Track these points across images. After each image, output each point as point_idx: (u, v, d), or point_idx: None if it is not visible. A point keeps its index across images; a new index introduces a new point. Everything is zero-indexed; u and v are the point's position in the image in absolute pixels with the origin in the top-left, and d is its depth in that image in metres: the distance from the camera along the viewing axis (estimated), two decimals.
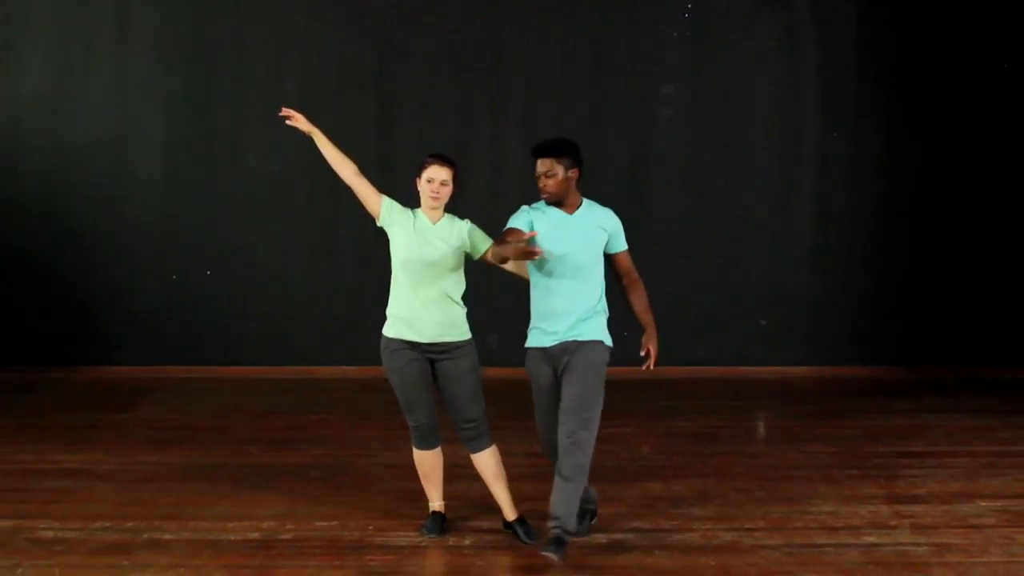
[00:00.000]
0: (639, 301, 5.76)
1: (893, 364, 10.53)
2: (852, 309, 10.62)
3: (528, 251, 5.17)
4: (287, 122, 5.99)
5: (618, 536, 5.95)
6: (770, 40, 10.48)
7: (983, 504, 6.53)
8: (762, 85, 10.53)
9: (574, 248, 5.58)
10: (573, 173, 5.61)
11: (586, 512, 5.96)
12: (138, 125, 10.49)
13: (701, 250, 10.53)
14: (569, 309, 5.59)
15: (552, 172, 5.56)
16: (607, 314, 5.74)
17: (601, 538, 5.92)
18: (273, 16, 10.46)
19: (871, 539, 5.92)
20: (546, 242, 5.54)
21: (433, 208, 5.76)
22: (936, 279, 10.60)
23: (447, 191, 5.72)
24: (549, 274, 5.61)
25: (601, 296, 5.70)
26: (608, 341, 5.69)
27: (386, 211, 5.82)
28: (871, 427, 8.48)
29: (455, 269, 5.75)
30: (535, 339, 5.68)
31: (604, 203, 5.56)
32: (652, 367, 5.68)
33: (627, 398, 9.51)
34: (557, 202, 5.64)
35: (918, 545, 5.84)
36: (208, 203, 10.53)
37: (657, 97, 10.50)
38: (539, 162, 5.60)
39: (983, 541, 5.90)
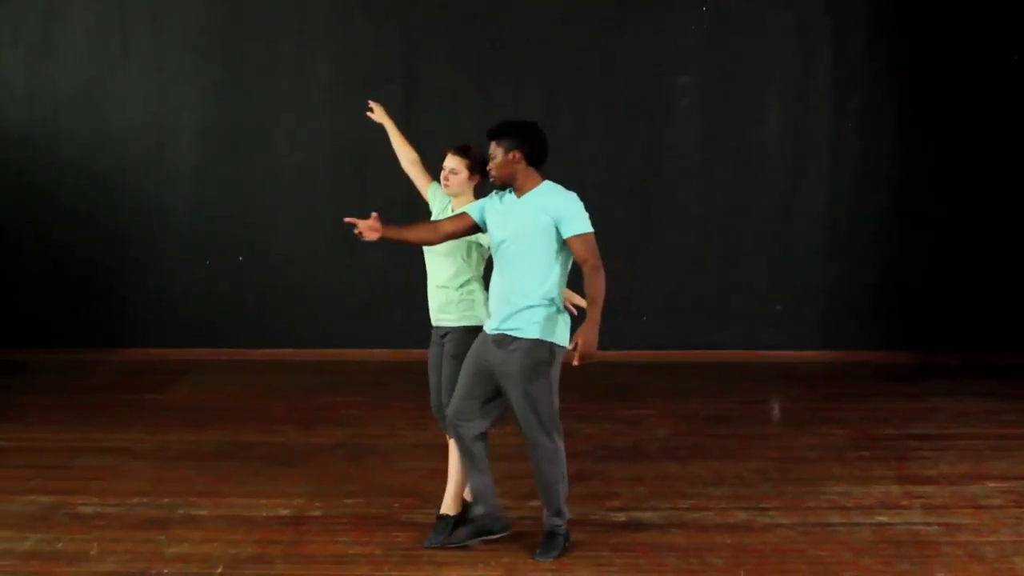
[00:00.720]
0: (589, 290, 5.12)
1: (902, 349, 10.48)
2: (862, 295, 10.57)
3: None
4: (368, 113, 6.14)
5: (636, 514, 5.97)
6: (784, 31, 10.42)
7: (991, 485, 6.52)
8: (775, 76, 10.47)
9: (512, 234, 5.24)
10: (514, 155, 5.24)
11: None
12: (172, 116, 10.53)
13: (715, 237, 10.50)
14: (504, 298, 5.25)
15: (492, 155, 5.32)
16: (557, 307, 5.26)
17: (620, 516, 5.93)
18: (303, 11, 10.47)
19: (883, 518, 5.91)
20: (493, 227, 5.33)
21: (450, 195, 5.79)
22: (944, 266, 10.52)
23: (456, 179, 5.65)
24: (496, 261, 5.38)
25: (545, 286, 5.22)
26: (550, 337, 5.20)
27: (430, 196, 5.92)
28: (882, 410, 8.45)
29: (447, 254, 5.63)
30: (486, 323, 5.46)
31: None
32: (577, 363, 5.03)
33: (645, 381, 9.53)
34: (510, 186, 5.34)
35: (928, 524, 5.83)
36: (239, 191, 10.56)
37: (673, 88, 10.47)
38: None
39: (991, 521, 5.90)
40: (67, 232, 10.54)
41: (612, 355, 10.25)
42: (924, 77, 10.39)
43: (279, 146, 10.52)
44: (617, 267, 10.39)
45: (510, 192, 5.37)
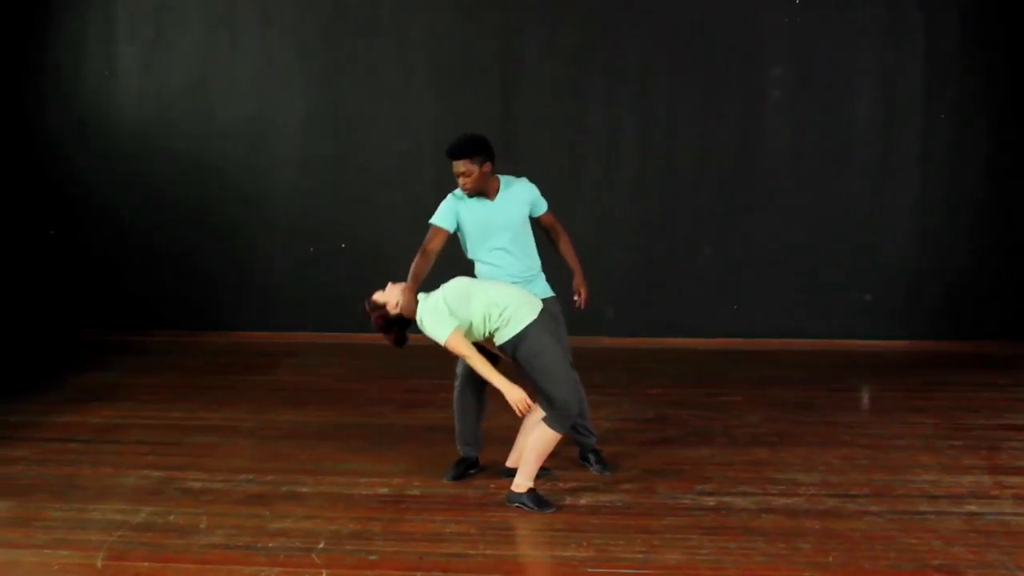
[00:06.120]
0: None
1: (994, 339, 10.24)
2: (953, 285, 10.34)
3: None
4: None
5: (727, 499, 5.91)
6: (876, 21, 10.22)
7: None
8: (868, 68, 10.28)
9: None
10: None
11: None
12: (276, 108, 10.68)
13: (805, 226, 10.34)
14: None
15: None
16: None
17: (710, 500, 5.88)
18: (400, 6, 10.54)
19: (973, 508, 5.78)
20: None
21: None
22: None
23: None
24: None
25: None
26: None
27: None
28: (972, 400, 8.26)
29: None
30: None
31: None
32: None
33: (735, 368, 9.43)
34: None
35: (1019, 515, 5.69)
36: (341, 180, 10.68)
37: (766, 79, 10.33)
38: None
39: None
40: (178, 220, 10.75)
41: (703, 342, 10.25)
42: (1017, 67, 10.13)
43: (380, 135, 10.61)
44: (707, 255, 10.42)
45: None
